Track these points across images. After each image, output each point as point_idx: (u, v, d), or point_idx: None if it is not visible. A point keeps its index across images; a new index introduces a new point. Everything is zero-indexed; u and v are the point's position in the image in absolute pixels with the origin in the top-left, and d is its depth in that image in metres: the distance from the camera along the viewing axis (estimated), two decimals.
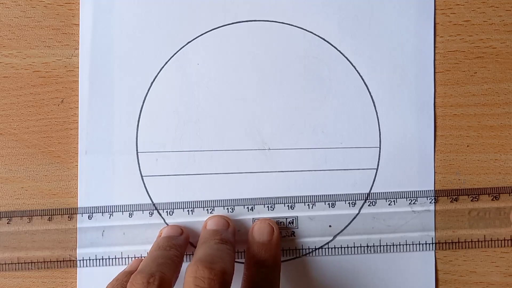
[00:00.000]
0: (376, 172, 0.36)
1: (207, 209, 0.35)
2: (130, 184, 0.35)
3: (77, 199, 0.35)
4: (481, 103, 0.36)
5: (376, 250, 0.35)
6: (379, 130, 0.36)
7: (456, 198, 0.36)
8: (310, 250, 0.35)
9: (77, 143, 0.35)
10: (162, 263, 0.30)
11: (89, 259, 0.35)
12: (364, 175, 0.36)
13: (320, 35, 0.36)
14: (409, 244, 0.35)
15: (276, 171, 0.36)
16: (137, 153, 0.35)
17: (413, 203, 0.35)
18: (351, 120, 0.36)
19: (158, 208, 0.35)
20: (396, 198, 0.35)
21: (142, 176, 0.35)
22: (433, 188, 0.36)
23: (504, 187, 0.36)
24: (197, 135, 0.36)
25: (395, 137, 0.36)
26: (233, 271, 0.30)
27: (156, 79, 0.36)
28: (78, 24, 0.36)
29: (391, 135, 0.36)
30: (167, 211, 0.35)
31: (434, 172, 0.36)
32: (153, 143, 0.36)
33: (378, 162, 0.36)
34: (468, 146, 0.36)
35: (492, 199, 0.36)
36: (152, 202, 0.35)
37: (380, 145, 0.36)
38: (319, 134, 0.36)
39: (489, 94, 0.36)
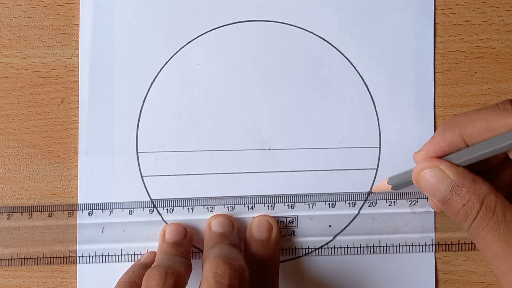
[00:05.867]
0: (376, 172, 0.36)
1: (208, 207, 0.35)
2: (130, 184, 0.35)
3: (77, 199, 0.35)
4: (481, 103, 0.36)
5: (376, 251, 0.35)
6: (379, 130, 0.36)
7: None
8: (310, 250, 0.35)
9: (77, 143, 0.35)
10: (177, 262, 0.30)
11: (89, 256, 0.35)
12: (364, 175, 0.36)
13: (320, 35, 0.36)
14: (409, 245, 0.35)
15: (276, 171, 0.36)
16: (137, 153, 0.35)
17: (413, 204, 0.35)
18: (351, 120, 0.36)
19: (158, 206, 0.35)
20: (396, 199, 0.35)
21: (142, 176, 0.35)
22: None
23: None
24: (197, 135, 0.36)
25: (395, 137, 0.36)
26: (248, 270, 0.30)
27: (156, 79, 0.36)
28: (78, 24, 0.36)
29: (391, 135, 0.36)
30: (167, 209, 0.35)
31: None
32: (153, 143, 0.36)
33: (378, 162, 0.36)
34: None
35: None
36: (151, 200, 0.35)
37: (380, 145, 0.36)
38: (319, 134, 0.36)
39: (489, 94, 0.36)
